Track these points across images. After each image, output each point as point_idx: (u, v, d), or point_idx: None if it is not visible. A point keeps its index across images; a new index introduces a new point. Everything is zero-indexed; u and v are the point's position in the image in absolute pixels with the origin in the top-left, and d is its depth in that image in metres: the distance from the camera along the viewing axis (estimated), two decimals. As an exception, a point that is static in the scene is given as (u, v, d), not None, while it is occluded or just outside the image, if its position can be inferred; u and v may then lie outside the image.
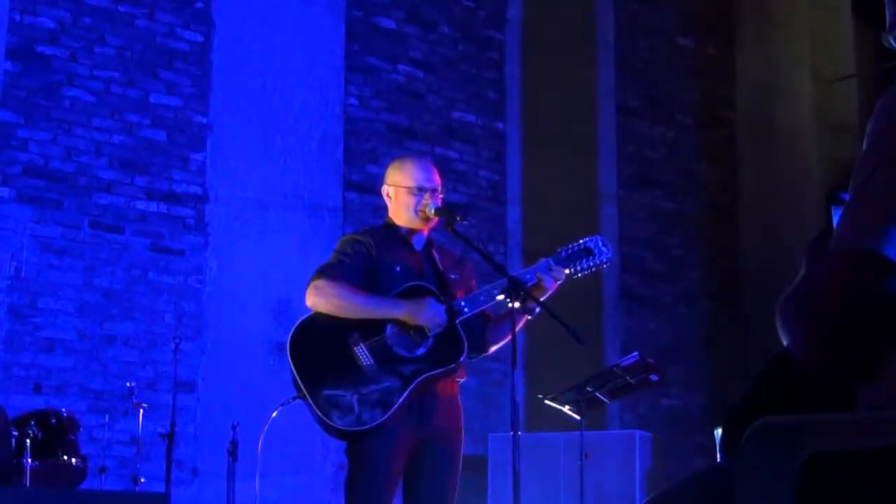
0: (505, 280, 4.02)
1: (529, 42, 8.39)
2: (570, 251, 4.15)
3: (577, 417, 5.40)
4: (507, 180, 8.11)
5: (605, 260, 4.16)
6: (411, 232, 4.21)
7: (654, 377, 5.39)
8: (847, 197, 1.32)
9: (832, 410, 1.37)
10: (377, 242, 4.16)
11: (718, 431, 1.60)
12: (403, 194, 4.16)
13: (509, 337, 4.12)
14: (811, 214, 8.48)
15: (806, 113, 8.89)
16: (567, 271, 4.12)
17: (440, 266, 4.21)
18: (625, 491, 6.15)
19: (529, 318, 4.10)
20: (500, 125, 8.14)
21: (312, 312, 4.06)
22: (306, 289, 4.07)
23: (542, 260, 4.12)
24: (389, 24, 7.70)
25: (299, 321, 4.07)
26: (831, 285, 1.27)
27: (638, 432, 6.47)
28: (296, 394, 4.02)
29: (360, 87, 7.48)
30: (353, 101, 7.43)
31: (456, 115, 7.91)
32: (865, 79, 9.08)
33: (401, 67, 7.70)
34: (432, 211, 4.15)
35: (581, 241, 4.17)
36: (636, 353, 5.37)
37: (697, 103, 9.30)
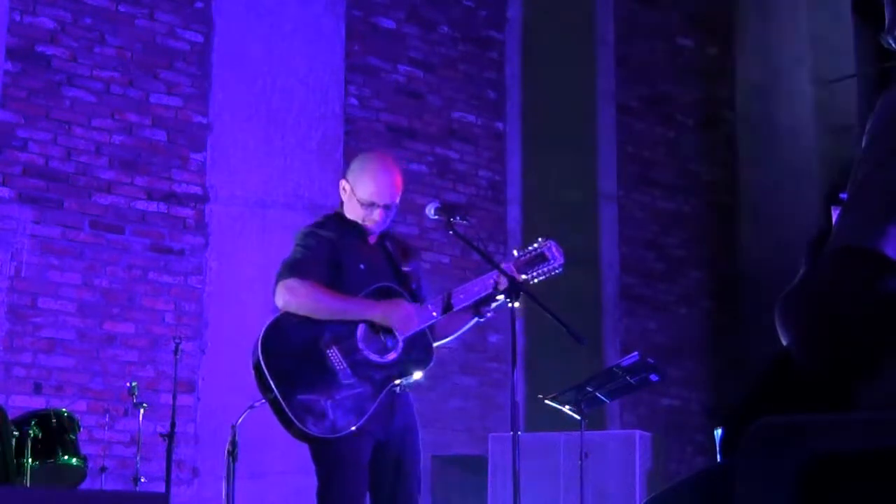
0: (474, 283, 4.03)
1: (529, 42, 8.39)
2: (527, 256, 4.14)
3: (577, 417, 5.40)
4: (507, 180, 8.11)
5: (557, 266, 4.14)
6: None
7: (654, 377, 5.39)
8: (846, 196, 1.32)
9: (832, 410, 1.37)
10: (337, 237, 4.11)
11: (718, 431, 1.60)
12: (355, 202, 4.13)
13: (454, 335, 4.20)
14: (811, 214, 8.48)
15: (806, 113, 8.88)
16: (524, 277, 4.10)
17: (394, 258, 4.21)
18: (625, 491, 6.15)
19: (481, 320, 4.12)
20: (500, 125, 8.14)
21: (281, 312, 4.00)
22: (275, 287, 4.00)
23: (503, 265, 4.11)
24: (389, 24, 7.70)
25: (269, 321, 3.99)
26: (830, 283, 1.27)
27: (638, 432, 6.46)
28: (261, 395, 3.97)
29: (360, 87, 7.48)
30: (353, 101, 7.43)
31: (456, 115, 7.91)
32: (865, 79, 9.08)
33: (401, 67, 7.70)
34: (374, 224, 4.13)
35: (536, 246, 4.15)
36: (636, 353, 5.37)
37: (697, 103, 9.30)
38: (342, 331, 3.96)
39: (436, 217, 4.22)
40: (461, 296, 4.04)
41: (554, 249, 4.14)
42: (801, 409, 1.39)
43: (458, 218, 4.18)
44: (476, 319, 4.14)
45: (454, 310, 4.05)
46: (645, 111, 8.96)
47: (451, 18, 8.01)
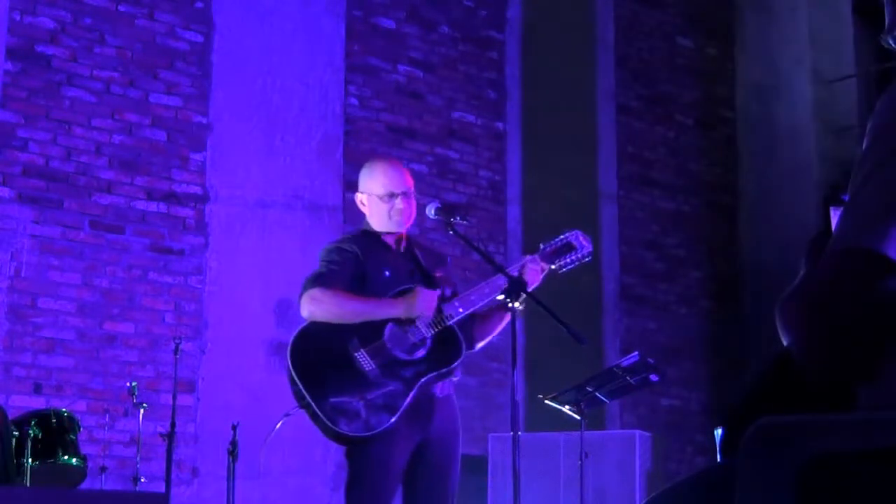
0: (498, 278, 4.03)
1: (529, 42, 8.39)
2: (552, 247, 4.17)
3: (577, 417, 5.40)
4: (507, 180, 8.12)
5: (586, 254, 4.18)
6: (389, 235, 4.21)
7: (654, 377, 5.39)
8: (846, 197, 1.33)
9: (832, 410, 1.37)
10: (361, 249, 4.14)
11: (718, 431, 1.60)
12: (375, 201, 4.16)
13: (495, 333, 4.19)
14: (811, 214, 8.48)
15: (806, 113, 8.89)
16: (552, 267, 4.14)
17: (424, 265, 4.22)
18: (625, 491, 6.15)
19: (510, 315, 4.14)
20: (500, 125, 8.14)
21: (308, 322, 4.05)
22: (300, 299, 4.05)
23: (528, 257, 4.14)
24: (389, 24, 7.70)
25: (297, 330, 4.04)
26: (830, 284, 1.27)
27: (638, 432, 6.47)
28: (297, 403, 4.01)
29: (360, 87, 7.48)
30: (353, 101, 7.43)
31: (456, 115, 7.91)
32: (865, 79, 9.09)
33: (401, 67, 7.70)
34: (433, 212, 4.16)
35: (562, 237, 4.19)
36: (636, 353, 5.37)
37: (697, 103, 9.30)
38: (369, 333, 4.00)
39: (436, 217, 4.23)
40: (486, 289, 4.06)
41: (581, 238, 4.18)
42: (801, 409, 1.39)
43: (458, 218, 4.19)
44: (509, 315, 4.15)
45: (483, 302, 4.07)
46: (645, 111, 8.96)
47: (451, 18, 8.01)
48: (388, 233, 4.20)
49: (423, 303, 3.99)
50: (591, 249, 4.19)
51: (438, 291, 4.04)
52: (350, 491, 3.99)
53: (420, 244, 4.38)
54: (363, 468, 3.96)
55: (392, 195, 4.12)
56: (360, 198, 4.24)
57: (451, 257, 7.63)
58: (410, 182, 4.20)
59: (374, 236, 4.20)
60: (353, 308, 4.01)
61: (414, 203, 4.20)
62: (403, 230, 4.21)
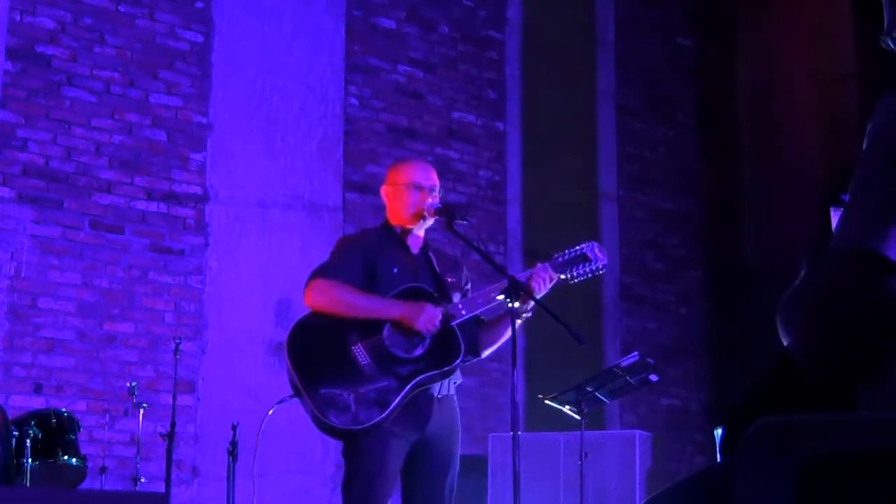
0: (503, 282, 4.03)
1: (529, 42, 8.39)
2: (566, 257, 4.17)
3: (577, 417, 5.40)
4: (507, 180, 8.12)
5: (601, 266, 4.18)
6: (407, 233, 4.23)
7: (654, 377, 5.39)
8: (847, 198, 1.33)
9: (832, 410, 1.37)
10: (374, 244, 4.19)
11: (718, 431, 1.60)
12: (401, 192, 4.20)
13: (502, 341, 4.18)
14: (811, 214, 8.48)
15: (806, 113, 8.89)
16: (563, 276, 4.14)
17: (437, 268, 4.23)
18: (625, 491, 6.15)
19: (520, 320, 4.13)
20: (500, 125, 8.14)
21: (311, 312, 4.08)
22: (304, 288, 4.09)
23: (539, 265, 4.14)
24: (389, 24, 7.70)
25: (298, 320, 4.09)
26: (832, 286, 1.27)
27: (638, 432, 6.47)
28: (293, 392, 4.03)
29: (360, 87, 7.48)
30: (353, 101, 7.43)
31: (456, 115, 7.91)
32: (865, 79, 9.08)
33: (401, 67, 7.70)
34: (432, 210, 4.18)
35: (578, 248, 4.19)
36: (636, 353, 5.38)
37: (697, 103, 9.30)
38: (369, 328, 4.02)
39: (436, 217, 4.24)
40: (492, 294, 4.06)
41: (596, 250, 4.19)
42: (801, 409, 1.39)
43: (458, 218, 4.20)
44: (518, 321, 4.15)
45: (487, 306, 4.07)
46: (645, 111, 8.96)
47: (451, 18, 8.01)
48: (406, 230, 4.21)
49: (424, 320, 3.99)
50: (606, 262, 4.20)
51: (441, 310, 4.03)
52: (346, 488, 4.00)
53: (437, 248, 4.40)
54: (359, 465, 3.96)
55: (419, 187, 4.18)
56: (385, 190, 4.28)
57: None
58: (437, 183, 4.25)
59: (392, 232, 4.24)
60: (353, 302, 4.03)
61: (437, 203, 4.21)
62: (421, 228, 4.22)
